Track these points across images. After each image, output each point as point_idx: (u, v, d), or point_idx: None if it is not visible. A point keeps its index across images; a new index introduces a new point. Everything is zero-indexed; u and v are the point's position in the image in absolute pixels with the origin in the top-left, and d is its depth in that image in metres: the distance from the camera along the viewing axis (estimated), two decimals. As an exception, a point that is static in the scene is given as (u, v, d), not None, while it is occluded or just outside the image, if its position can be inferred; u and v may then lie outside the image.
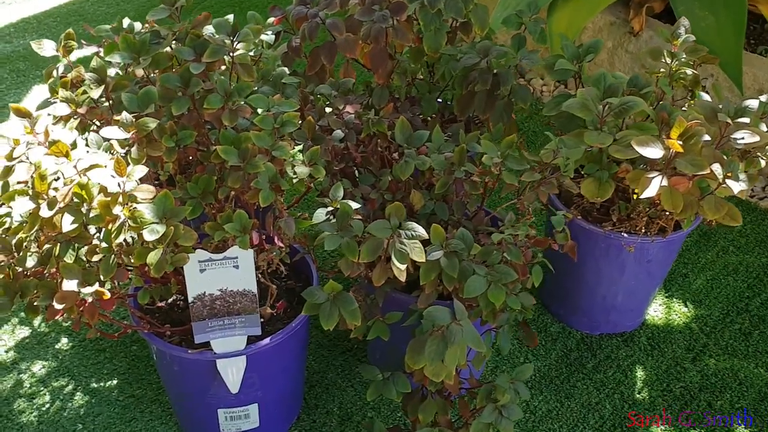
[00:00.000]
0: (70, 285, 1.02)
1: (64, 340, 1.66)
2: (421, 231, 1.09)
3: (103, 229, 1.06)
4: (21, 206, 1.02)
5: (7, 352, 1.63)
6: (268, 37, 1.42)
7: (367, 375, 1.22)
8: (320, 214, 1.22)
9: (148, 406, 1.54)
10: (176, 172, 1.28)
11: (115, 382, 1.58)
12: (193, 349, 1.21)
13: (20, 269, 1.08)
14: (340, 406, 1.54)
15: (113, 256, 1.06)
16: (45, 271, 1.08)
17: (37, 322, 1.70)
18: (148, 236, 1.03)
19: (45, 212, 1.02)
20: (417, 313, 1.25)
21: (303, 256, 1.39)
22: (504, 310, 1.17)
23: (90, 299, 1.05)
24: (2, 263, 1.08)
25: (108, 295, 1.04)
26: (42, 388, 1.56)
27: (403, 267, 1.06)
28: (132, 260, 1.05)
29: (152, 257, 1.02)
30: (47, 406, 1.53)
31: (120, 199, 1.04)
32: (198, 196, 1.23)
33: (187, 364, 1.26)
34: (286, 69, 1.39)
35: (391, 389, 1.21)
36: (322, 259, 1.81)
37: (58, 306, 1.02)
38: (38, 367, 1.60)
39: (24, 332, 1.67)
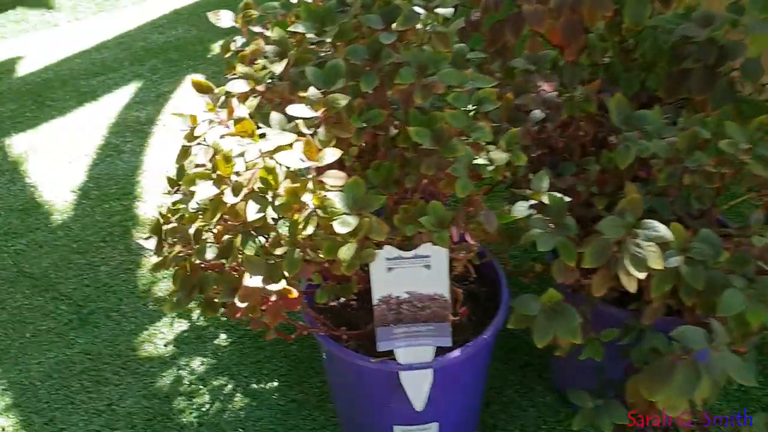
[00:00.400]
0: (254, 281, 0.90)
1: (223, 335, 1.58)
2: (663, 231, 0.89)
3: (287, 220, 0.94)
4: (204, 191, 0.91)
5: (166, 345, 1.57)
6: (445, 10, 1.26)
7: (577, 401, 1.04)
8: (521, 208, 1.05)
9: (311, 412, 1.42)
10: (353, 159, 1.14)
11: (275, 384, 1.48)
12: (376, 358, 1.08)
13: (198, 262, 0.98)
14: (522, 429, 1.37)
15: (298, 249, 0.94)
16: (225, 265, 0.97)
17: (195, 315, 1.63)
18: (340, 228, 0.89)
19: (230, 198, 0.90)
20: (635, 331, 1.05)
21: (487, 258, 1.22)
22: (758, 332, 0.95)
23: (274, 297, 0.93)
24: (180, 254, 0.98)
25: (296, 293, 0.91)
26: (201, 387, 1.48)
27: (641, 275, 0.87)
28: (319, 255, 0.92)
29: (345, 252, 0.89)
30: (207, 406, 1.45)
31: (310, 185, 0.91)
32: (379, 186, 1.09)
33: (367, 374, 1.12)
34: (464, 45, 1.23)
35: (604, 420, 1.02)
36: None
37: (240, 304, 0.91)
38: (197, 364, 1.52)
39: (182, 326, 1.61)
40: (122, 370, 1.52)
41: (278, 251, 0.94)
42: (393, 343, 1.07)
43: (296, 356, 1.53)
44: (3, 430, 1.42)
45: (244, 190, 0.91)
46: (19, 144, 2.23)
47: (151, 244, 1.02)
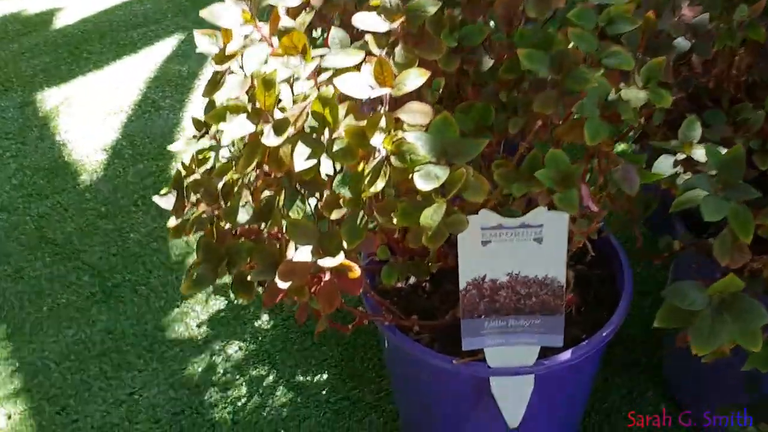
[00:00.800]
0: (301, 253, 0.65)
1: (265, 317, 1.34)
2: None
3: (349, 171, 0.68)
4: (236, 129, 0.66)
5: (199, 326, 1.34)
6: None
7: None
8: (665, 163, 0.77)
9: (367, 413, 1.18)
10: (436, 96, 0.88)
11: (324, 376, 1.24)
12: (460, 358, 0.82)
13: (228, 226, 0.73)
14: (629, 445, 1.10)
15: (362, 213, 0.68)
16: (264, 231, 0.72)
17: (233, 292, 1.40)
18: (423, 183, 0.63)
19: (270, 139, 0.65)
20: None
21: (604, 232, 0.95)
22: None
23: (328, 276, 0.68)
24: (204, 215, 0.73)
25: (357, 272, 0.66)
26: (238, 377, 1.25)
27: None
28: (392, 221, 0.67)
29: (429, 217, 0.63)
30: (243, 400, 1.22)
31: (383, 123, 0.65)
32: (470, 134, 0.82)
33: (445, 378, 0.87)
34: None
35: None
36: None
37: (282, 284, 0.66)
38: (234, 349, 1.29)
39: (219, 303, 1.38)
40: (148, 354, 1.30)
41: (334, 215, 0.69)
42: (483, 341, 0.81)
43: (351, 343, 1.28)
44: (9, 417, 1.22)
45: (291, 129, 0.66)
46: (51, 99, 2.02)
47: (168, 202, 0.77)
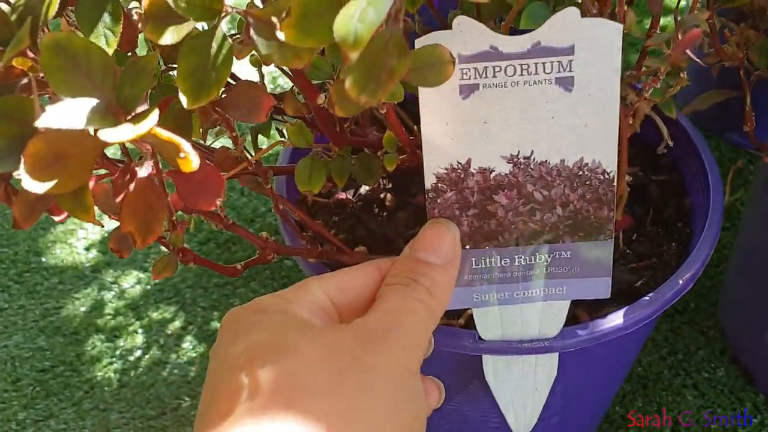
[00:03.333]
0: (65, 113, 0.29)
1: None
2: None
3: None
4: None
5: (87, 249, 0.98)
6: None
7: None
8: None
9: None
10: None
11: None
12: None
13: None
14: (675, 425, 0.77)
15: (224, 27, 0.32)
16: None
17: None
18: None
19: None
20: None
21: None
22: None
23: (144, 172, 0.32)
24: None
25: (194, 159, 0.29)
26: (132, 321, 0.90)
27: None
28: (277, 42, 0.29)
29: (350, 17, 0.26)
30: (137, 354, 0.87)
31: None
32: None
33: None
34: None
35: None
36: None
37: (32, 185, 0.30)
38: (130, 282, 0.94)
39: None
40: (15, 285, 0.95)
41: (168, 37, 0.32)
42: (470, 294, 0.45)
43: (293, 275, 0.94)
44: None
45: None
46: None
47: None
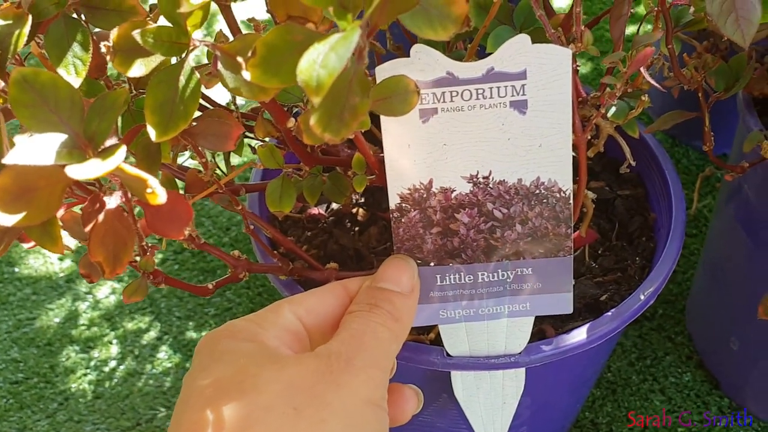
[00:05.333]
0: (33, 150, 0.29)
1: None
2: None
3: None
4: None
5: (61, 260, 0.98)
6: None
7: None
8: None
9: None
10: None
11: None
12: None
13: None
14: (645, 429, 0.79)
15: (192, 60, 0.32)
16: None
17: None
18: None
19: None
20: None
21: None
22: None
23: (110, 201, 0.32)
24: None
25: (160, 193, 0.30)
26: (108, 332, 0.90)
27: None
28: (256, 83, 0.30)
29: (314, 62, 0.26)
30: (112, 364, 0.87)
31: None
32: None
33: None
34: None
35: None
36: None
37: (3, 218, 0.30)
38: (105, 292, 0.94)
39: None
40: (-13, 297, 0.95)
41: (136, 69, 0.32)
42: (434, 311, 0.46)
43: (268, 286, 0.94)
44: None
45: None
46: None
47: None
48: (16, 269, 0.97)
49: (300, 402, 0.34)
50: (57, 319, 0.92)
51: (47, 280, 0.96)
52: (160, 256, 0.97)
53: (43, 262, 0.98)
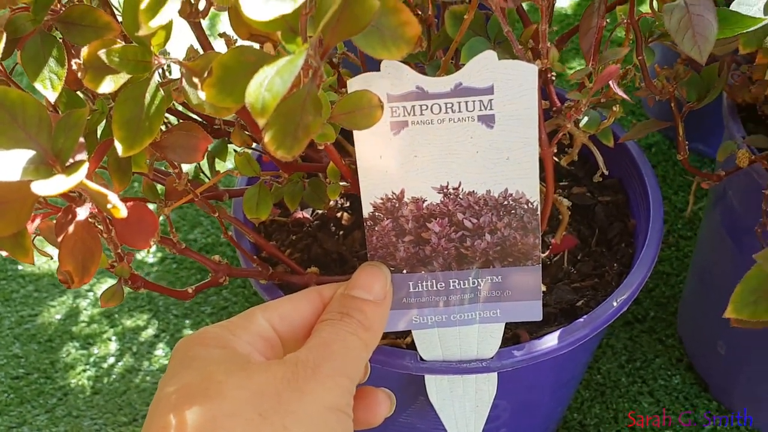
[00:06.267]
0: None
1: (152, 247, 1.01)
2: None
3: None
4: None
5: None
6: None
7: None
8: (751, 3, 0.42)
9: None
10: None
11: (223, 330, 0.91)
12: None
13: None
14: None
15: (160, 76, 0.34)
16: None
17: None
18: (259, 6, 0.28)
19: None
20: None
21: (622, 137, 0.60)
22: None
23: (80, 213, 0.34)
24: None
25: (121, 209, 0.31)
26: (107, 328, 0.92)
27: None
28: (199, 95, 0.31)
29: (261, 86, 0.27)
30: (111, 361, 0.89)
31: None
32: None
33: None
34: None
35: None
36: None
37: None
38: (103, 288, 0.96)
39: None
40: (-9, 293, 0.97)
41: (105, 86, 0.34)
42: (408, 317, 0.48)
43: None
44: None
45: None
46: None
47: None
48: (20, 267, 0.99)
49: (266, 409, 0.36)
50: (58, 316, 0.94)
51: (49, 278, 0.98)
52: (159, 254, 0.99)
53: (45, 259, 1.00)
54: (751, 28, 0.39)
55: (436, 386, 0.50)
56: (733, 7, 0.42)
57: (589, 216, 0.61)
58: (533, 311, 0.46)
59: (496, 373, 0.49)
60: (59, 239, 0.34)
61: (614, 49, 0.42)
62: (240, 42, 0.36)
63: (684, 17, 0.36)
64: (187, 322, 0.92)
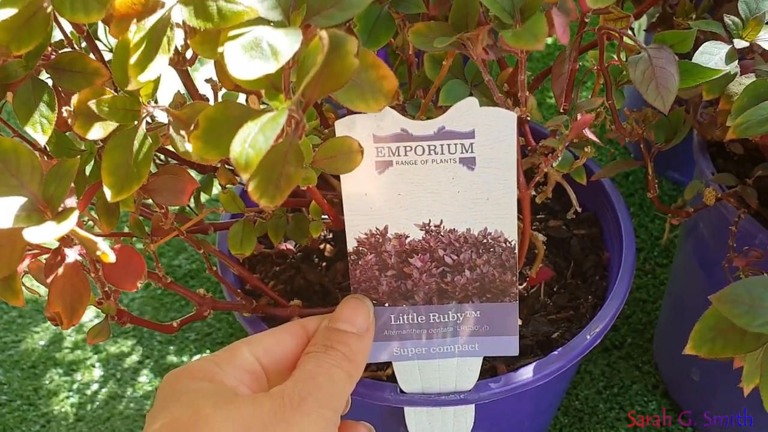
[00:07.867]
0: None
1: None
2: None
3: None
4: None
5: (47, 283, 1.01)
6: None
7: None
8: (712, 55, 0.44)
9: None
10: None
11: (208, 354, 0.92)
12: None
13: None
14: (612, 463, 0.81)
15: (147, 125, 0.35)
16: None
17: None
18: (245, 65, 0.29)
19: None
20: None
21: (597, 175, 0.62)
22: None
23: (70, 255, 0.35)
24: None
25: (109, 254, 0.32)
26: (90, 355, 0.93)
27: None
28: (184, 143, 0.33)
29: (245, 142, 0.29)
30: (94, 387, 0.89)
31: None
32: None
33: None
34: None
35: None
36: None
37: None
38: (89, 316, 0.97)
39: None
40: (-26, 319, 0.97)
41: (95, 132, 0.35)
42: (389, 349, 0.49)
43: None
44: None
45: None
46: None
47: None
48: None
49: None
50: (42, 342, 0.94)
51: (33, 303, 0.99)
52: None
53: (29, 285, 1.00)
54: (713, 77, 0.41)
55: (415, 418, 0.51)
56: (696, 55, 0.44)
57: (565, 248, 0.63)
58: (510, 346, 0.48)
59: (473, 405, 0.51)
60: (49, 280, 0.35)
61: (589, 99, 0.44)
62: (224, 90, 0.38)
63: (648, 69, 0.38)
64: (171, 348, 0.93)
